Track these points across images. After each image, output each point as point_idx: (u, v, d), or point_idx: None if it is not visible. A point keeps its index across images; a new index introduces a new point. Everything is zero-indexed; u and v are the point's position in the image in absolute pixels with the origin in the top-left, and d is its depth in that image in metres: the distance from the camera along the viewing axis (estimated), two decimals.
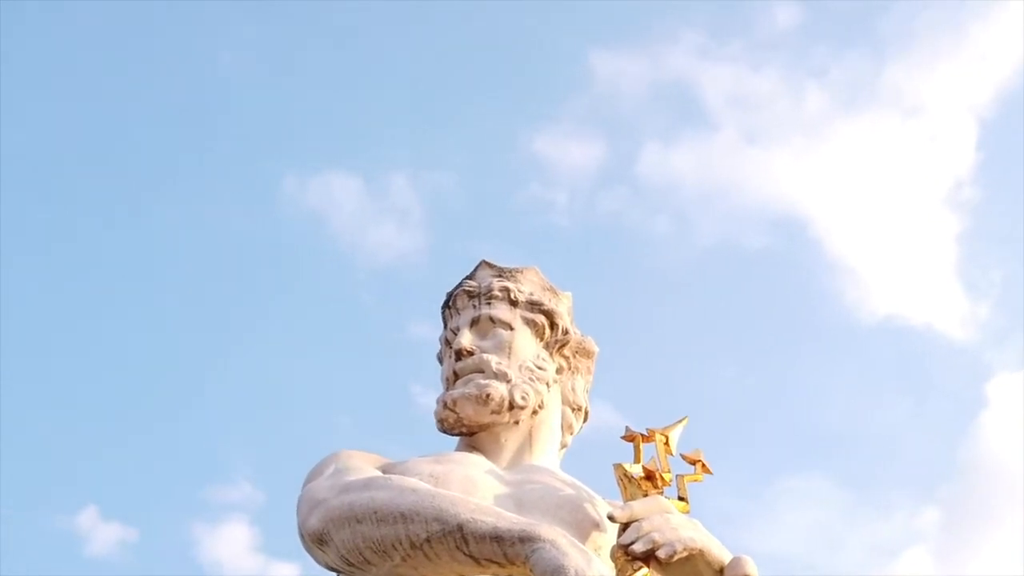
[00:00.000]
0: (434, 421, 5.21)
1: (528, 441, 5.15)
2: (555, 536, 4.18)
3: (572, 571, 4.06)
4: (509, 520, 4.26)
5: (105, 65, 18.26)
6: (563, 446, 5.34)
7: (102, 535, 17.61)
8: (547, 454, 5.18)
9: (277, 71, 18.65)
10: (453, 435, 5.22)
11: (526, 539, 4.18)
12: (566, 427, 5.33)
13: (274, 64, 18.71)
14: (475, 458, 5.02)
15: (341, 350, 18.16)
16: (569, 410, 5.34)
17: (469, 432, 5.15)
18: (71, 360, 18.47)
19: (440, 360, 5.47)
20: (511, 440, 5.13)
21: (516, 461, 5.08)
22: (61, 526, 17.42)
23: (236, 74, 18.57)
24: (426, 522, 4.30)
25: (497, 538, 4.21)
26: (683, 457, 4.87)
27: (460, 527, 4.26)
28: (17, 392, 17.99)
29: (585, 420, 5.45)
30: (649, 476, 4.74)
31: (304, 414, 17.81)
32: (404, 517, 4.33)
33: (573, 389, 5.36)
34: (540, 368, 5.21)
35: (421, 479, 4.64)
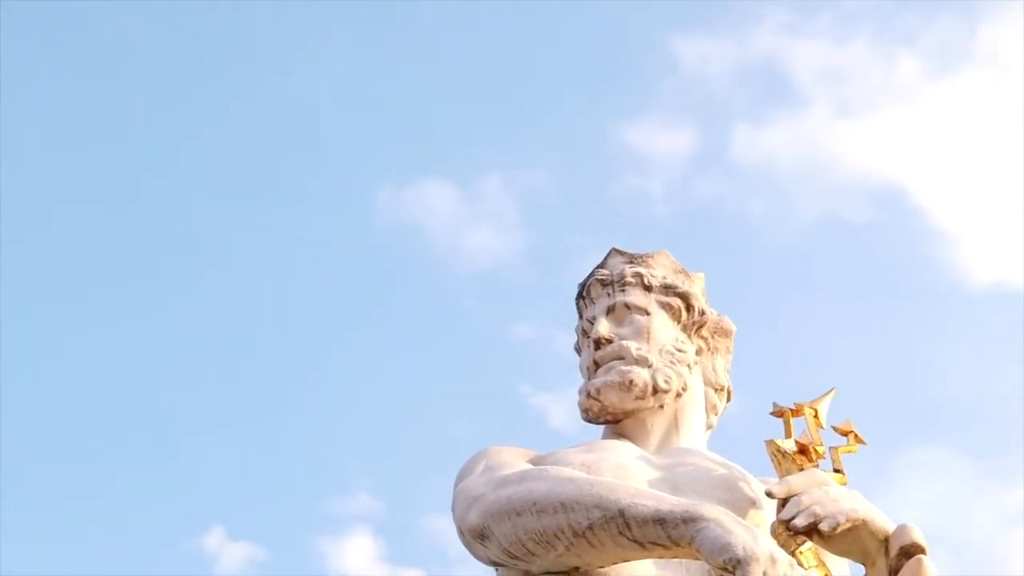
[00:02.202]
0: (579, 412, 5.23)
1: (674, 424, 5.14)
2: (718, 514, 4.14)
3: (740, 548, 4.01)
4: (670, 502, 4.23)
5: (203, 94, 18.58)
6: (709, 427, 5.32)
7: (230, 554, 17.88)
8: (694, 436, 5.17)
9: (362, 86, 18.83)
10: (598, 424, 5.23)
11: (689, 520, 4.14)
12: (710, 408, 5.32)
13: (359, 79, 18.88)
14: (624, 445, 5.02)
15: (448, 356, 18.28)
16: (712, 391, 5.32)
17: (614, 420, 5.15)
18: (187, 386, 18.80)
19: (578, 351, 5.48)
20: (657, 425, 5.12)
21: (664, 445, 5.08)
22: (189, 548, 17.71)
23: (323, 93, 18.77)
24: (587, 509, 4.28)
25: (660, 521, 4.18)
26: (834, 429, 4.83)
27: (621, 512, 4.23)
28: (139, 421, 18.37)
29: (728, 400, 5.43)
30: (803, 450, 4.70)
31: (416, 422, 17.96)
32: (564, 506, 4.32)
33: (714, 369, 5.34)
34: (680, 351, 5.20)
35: (573, 469, 4.64)
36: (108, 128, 18.54)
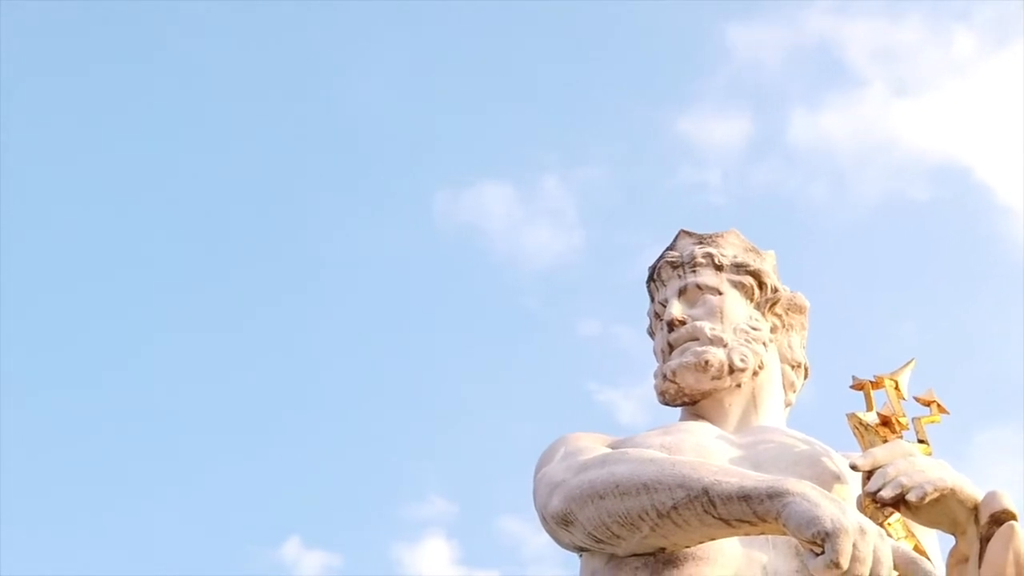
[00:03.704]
0: (655, 395, 5.21)
1: (752, 403, 5.09)
2: (804, 488, 4.08)
3: (828, 521, 3.95)
4: (754, 478, 4.19)
5: (258, 101, 18.78)
6: (787, 405, 5.28)
7: (307, 563, 18.01)
8: (773, 414, 5.12)
9: (413, 91, 18.91)
10: (675, 406, 5.20)
11: (775, 495, 4.08)
12: (788, 385, 5.27)
13: (410, 84, 18.96)
14: (703, 425, 4.99)
15: (514, 356, 18.32)
16: (789, 368, 5.28)
17: (692, 401, 5.12)
18: (257, 399, 18.95)
19: (651, 335, 5.46)
20: (735, 404, 5.08)
21: (743, 424, 5.04)
22: (268, 559, 17.86)
23: (375, 100, 18.87)
24: (670, 489, 4.24)
25: (745, 497, 4.13)
26: (916, 399, 4.78)
27: (705, 491, 4.19)
28: (217, 436, 18.56)
29: (806, 377, 5.38)
30: (885, 422, 4.66)
31: (484, 424, 18.01)
32: (647, 487, 4.28)
33: (790, 346, 5.29)
34: (754, 329, 5.16)
35: (653, 451, 4.62)
36: (166, 134, 18.78)
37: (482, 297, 18.99)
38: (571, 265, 18.67)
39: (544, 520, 4.64)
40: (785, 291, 5.35)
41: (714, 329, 5.11)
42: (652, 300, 5.43)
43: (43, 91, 18.33)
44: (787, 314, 5.31)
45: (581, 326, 18.44)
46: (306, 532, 17.84)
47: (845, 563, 3.91)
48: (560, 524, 4.53)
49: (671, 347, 5.17)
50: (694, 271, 5.27)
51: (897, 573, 4.09)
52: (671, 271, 5.33)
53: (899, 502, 4.31)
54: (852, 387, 4.80)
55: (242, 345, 18.91)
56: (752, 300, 5.25)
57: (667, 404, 5.18)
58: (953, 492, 4.34)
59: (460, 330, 18.59)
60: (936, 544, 4.67)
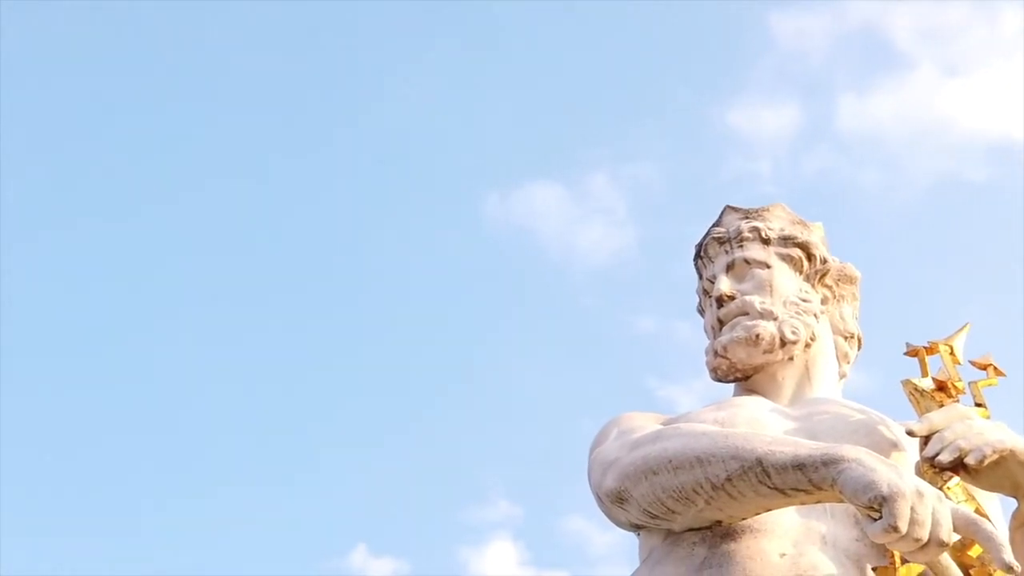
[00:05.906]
0: (707, 372, 5.18)
1: (806, 375, 5.04)
2: (859, 454, 4.02)
3: (885, 485, 3.89)
4: (808, 446, 4.13)
5: (308, 107, 18.94)
6: (842, 376, 5.22)
7: (375, 569, 18.08)
8: (827, 386, 5.07)
9: (458, 93, 18.97)
10: (727, 382, 5.16)
11: (829, 462, 4.03)
12: (841, 357, 5.21)
13: (455, 86, 19.02)
14: (756, 399, 4.94)
15: (573, 356, 18.30)
16: (841, 339, 5.22)
17: (744, 376, 5.08)
18: (318, 406, 19.06)
19: (701, 312, 5.43)
20: (788, 377, 5.03)
21: (797, 397, 4.99)
22: (335, 568, 17.96)
23: (421, 104, 18.95)
24: (723, 461, 4.20)
25: (799, 466, 4.08)
26: (972, 363, 4.70)
27: (759, 461, 4.14)
28: (281, 445, 18.69)
29: (859, 347, 5.32)
30: (941, 387, 4.58)
31: (547, 425, 18.00)
32: (700, 461, 4.24)
33: (842, 317, 5.24)
34: (805, 300, 5.11)
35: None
36: (215, 142, 18.97)
37: (538, 298, 19.01)
38: (624, 263, 18.66)
39: (599, 500, 4.61)
40: (835, 262, 5.30)
41: (764, 303, 5.06)
42: (700, 277, 5.39)
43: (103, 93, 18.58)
44: (838, 285, 5.26)
45: (638, 323, 18.41)
46: (372, 539, 17.92)
47: (904, 527, 3.85)
48: (615, 502, 4.50)
49: (721, 323, 5.13)
50: (741, 246, 5.23)
51: (958, 536, 4.02)
52: (718, 247, 5.29)
53: (958, 466, 4.23)
54: (906, 353, 4.72)
55: (300, 354, 19.04)
56: (801, 272, 5.20)
57: (719, 380, 5.15)
58: (1013, 454, 4.27)
59: (518, 332, 18.63)
60: (998, 507, 4.60)
